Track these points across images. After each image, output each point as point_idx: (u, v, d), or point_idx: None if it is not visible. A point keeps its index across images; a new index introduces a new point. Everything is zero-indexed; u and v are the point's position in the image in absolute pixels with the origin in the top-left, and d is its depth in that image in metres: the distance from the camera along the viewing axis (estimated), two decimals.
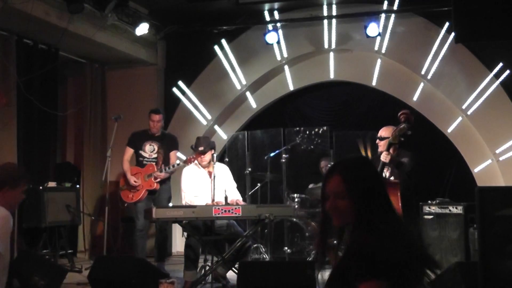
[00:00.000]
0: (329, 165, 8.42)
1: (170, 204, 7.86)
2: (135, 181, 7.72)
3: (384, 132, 6.14)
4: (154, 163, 7.82)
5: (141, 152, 7.88)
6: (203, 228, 6.54)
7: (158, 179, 7.72)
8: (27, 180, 4.19)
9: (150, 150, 7.87)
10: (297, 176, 8.89)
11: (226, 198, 6.77)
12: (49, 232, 8.10)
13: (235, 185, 7.19)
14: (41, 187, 7.99)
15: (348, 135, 9.15)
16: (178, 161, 7.72)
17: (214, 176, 6.64)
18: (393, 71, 9.28)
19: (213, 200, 6.53)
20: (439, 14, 8.73)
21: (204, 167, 6.90)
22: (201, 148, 6.85)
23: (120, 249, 8.75)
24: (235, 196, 6.95)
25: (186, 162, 7.29)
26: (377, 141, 6.24)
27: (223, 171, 7.07)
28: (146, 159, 7.87)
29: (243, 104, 10.12)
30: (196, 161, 6.99)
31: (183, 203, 6.92)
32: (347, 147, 8.99)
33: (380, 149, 6.11)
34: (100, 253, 8.28)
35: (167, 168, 7.69)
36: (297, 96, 10.10)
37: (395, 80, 9.32)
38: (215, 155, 6.99)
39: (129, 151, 7.98)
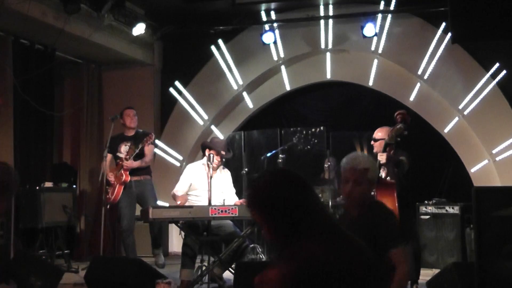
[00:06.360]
0: (329, 163, 8.43)
1: (160, 202, 7.83)
2: (110, 177, 7.68)
3: (379, 133, 6.14)
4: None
5: (118, 154, 7.81)
6: (202, 227, 6.52)
7: (127, 168, 7.59)
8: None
9: (125, 150, 7.77)
10: None
11: (224, 201, 6.74)
12: (45, 232, 8.09)
13: (234, 190, 7.15)
14: (37, 188, 7.98)
15: (344, 135, 9.15)
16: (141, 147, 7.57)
17: (211, 177, 6.60)
18: (390, 72, 9.28)
19: (209, 201, 6.51)
20: (436, 14, 8.75)
21: (215, 169, 6.78)
22: (223, 153, 6.81)
23: (115, 249, 8.74)
24: (235, 201, 6.90)
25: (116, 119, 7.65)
26: (372, 142, 6.24)
27: (225, 175, 7.04)
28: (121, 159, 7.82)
29: (239, 104, 10.11)
30: (204, 161, 6.94)
31: (172, 192, 6.92)
32: (344, 147, 8.99)
33: (375, 150, 6.11)
34: (96, 254, 8.27)
35: (133, 154, 7.56)
36: (294, 97, 10.10)
37: (392, 81, 9.33)
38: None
39: (108, 157, 7.93)
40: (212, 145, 6.90)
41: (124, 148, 7.78)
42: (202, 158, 7.07)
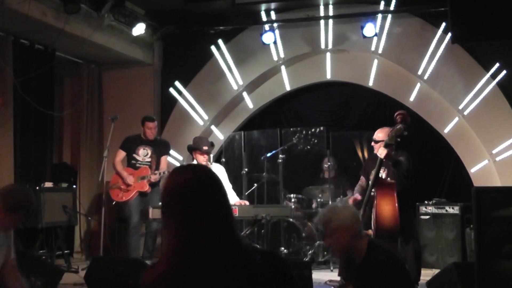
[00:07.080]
0: (329, 163, 8.44)
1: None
2: (129, 180, 7.95)
3: (380, 134, 6.13)
4: (148, 166, 8.05)
5: (135, 156, 8.12)
6: None
7: (151, 181, 7.95)
8: (24, 213, 4.16)
9: (143, 154, 8.11)
10: (294, 177, 8.89)
11: None
12: (45, 232, 8.09)
13: (230, 186, 7.18)
14: (37, 188, 7.98)
15: (344, 135, 9.17)
16: (165, 171, 7.90)
17: None
18: (390, 72, 9.28)
19: None
20: (436, 14, 8.74)
21: None
22: (205, 148, 6.91)
23: (115, 249, 8.75)
24: (233, 197, 6.95)
25: None
26: (372, 143, 6.23)
27: (218, 172, 7.06)
28: (139, 162, 8.10)
29: (239, 104, 10.10)
30: (195, 161, 7.00)
31: None
32: (344, 147, 9.01)
33: (375, 151, 6.10)
34: (96, 254, 8.28)
35: (161, 173, 7.90)
36: (294, 97, 10.09)
37: (392, 81, 9.32)
38: (212, 155, 7.01)
39: (121, 154, 8.21)
40: (195, 145, 7.04)
41: (142, 152, 8.11)
42: (192, 160, 7.15)
